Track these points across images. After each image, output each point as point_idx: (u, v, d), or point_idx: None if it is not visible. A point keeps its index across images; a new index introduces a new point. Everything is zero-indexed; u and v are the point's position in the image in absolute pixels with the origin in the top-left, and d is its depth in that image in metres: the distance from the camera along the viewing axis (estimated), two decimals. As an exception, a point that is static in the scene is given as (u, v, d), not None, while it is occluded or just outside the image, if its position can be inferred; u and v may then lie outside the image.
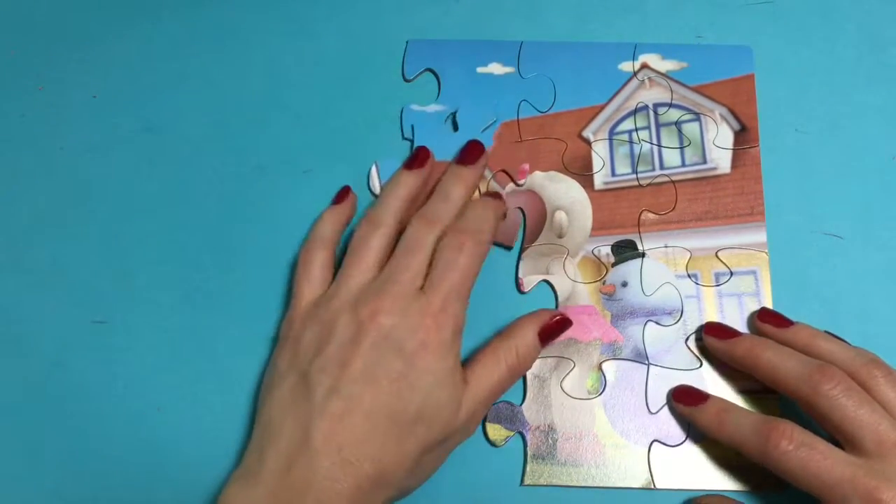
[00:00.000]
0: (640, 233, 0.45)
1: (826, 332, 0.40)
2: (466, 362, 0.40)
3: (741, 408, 0.40)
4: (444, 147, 0.46)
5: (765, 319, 0.41)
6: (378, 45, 0.50)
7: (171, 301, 0.46)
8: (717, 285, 0.44)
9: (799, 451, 0.35)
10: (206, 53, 0.51)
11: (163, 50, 0.51)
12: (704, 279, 0.44)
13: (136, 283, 0.46)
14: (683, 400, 0.41)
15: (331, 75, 0.50)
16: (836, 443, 0.36)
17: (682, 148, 0.47)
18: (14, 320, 0.46)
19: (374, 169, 0.47)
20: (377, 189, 0.47)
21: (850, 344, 0.39)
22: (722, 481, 0.40)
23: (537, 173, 0.47)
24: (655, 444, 0.41)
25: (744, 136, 0.47)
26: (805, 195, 0.46)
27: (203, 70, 0.51)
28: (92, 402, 0.44)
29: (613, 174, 0.46)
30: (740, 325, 0.43)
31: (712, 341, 0.42)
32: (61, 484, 0.43)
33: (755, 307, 0.43)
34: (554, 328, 0.41)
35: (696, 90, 0.48)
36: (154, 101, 0.50)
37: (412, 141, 0.48)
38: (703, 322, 0.43)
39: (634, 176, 0.46)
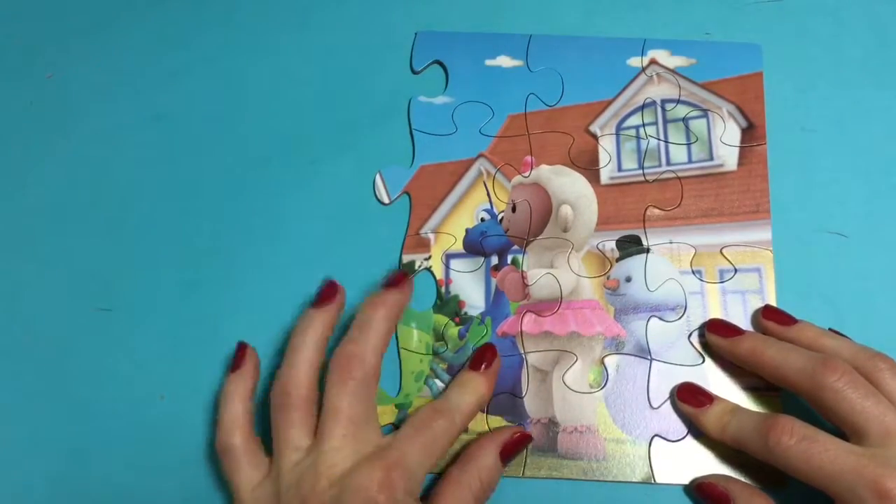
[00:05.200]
0: (645, 228, 0.45)
1: (830, 329, 0.40)
2: (430, 496, 0.38)
3: (743, 408, 0.40)
4: (448, 141, 0.47)
5: (768, 317, 0.41)
6: (387, 36, 0.50)
7: (175, 289, 0.46)
8: (721, 282, 0.44)
9: (801, 444, 0.35)
10: (215, 43, 0.51)
11: (171, 39, 0.52)
12: (708, 276, 0.44)
13: (141, 271, 0.47)
14: (688, 400, 0.41)
15: (339, 66, 0.50)
16: (842, 437, 0.36)
17: (688, 144, 0.47)
18: (19, 307, 0.46)
19: (378, 178, 0.47)
20: (384, 198, 0.47)
21: (854, 341, 0.39)
22: (722, 477, 0.41)
23: (543, 167, 0.47)
24: (656, 438, 0.41)
25: (751, 134, 0.47)
26: (810, 193, 0.46)
27: (211, 59, 0.51)
28: (95, 390, 0.45)
29: (620, 169, 0.46)
30: (744, 323, 0.43)
31: (715, 339, 0.41)
32: (64, 470, 0.43)
33: (759, 305, 0.43)
34: (515, 446, 0.40)
35: (705, 87, 0.48)
36: (162, 90, 0.50)
37: (421, 132, 0.48)
38: (707, 318, 0.43)
39: (641, 171, 0.46)
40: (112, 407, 0.44)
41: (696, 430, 0.41)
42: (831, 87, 0.48)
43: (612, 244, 0.45)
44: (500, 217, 0.46)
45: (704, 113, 0.47)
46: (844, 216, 0.45)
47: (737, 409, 0.39)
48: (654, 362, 0.43)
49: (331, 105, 0.49)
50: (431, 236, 0.46)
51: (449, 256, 0.45)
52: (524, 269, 0.45)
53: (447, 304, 0.44)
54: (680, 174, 0.46)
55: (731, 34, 0.49)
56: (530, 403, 0.42)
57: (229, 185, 0.48)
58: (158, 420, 0.44)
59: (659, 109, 0.47)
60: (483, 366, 0.41)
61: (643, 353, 0.43)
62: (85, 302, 0.46)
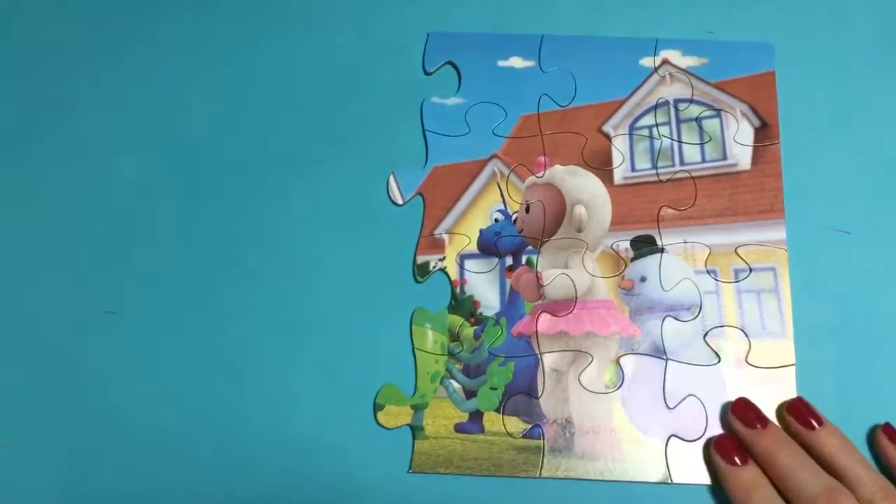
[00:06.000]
0: (659, 228, 0.45)
1: (849, 444, 0.39)
2: None
3: (774, 492, 0.38)
4: (461, 142, 0.47)
5: (793, 413, 0.40)
6: (393, 37, 0.50)
7: (182, 291, 0.46)
8: (736, 281, 0.44)
9: None
10: (218, 46, 0.51)
11: (174, 42, 0.52)
12: (723, 275, 0.44)
13: (147, 273, 0.47)
14: (724, 454, 0.39)
15: (347, 67, 0.50)
16: None
17: (702, 144, 0.47)
18: (26, 310, 0.46)
19: (392, 179, 0.47)
20: (398, 199, 0.47)
21: (870, 465, 0.38)
22: (740, 477, 0.40)
23: (557, 167, 0.47)
24: (673, 438, 0.41)
25: (764, 133, 0.47)
26: (816, 191, 0.46)
27: (215, 62, 0.51)
28: (102, 392, 0.44)
29: (633, 169, 0.46)
30: (758, 322, 0.43)
31: (737, 424, 0.40)
32: (72, 473, 0.43)
33: (774, 304, 0.43)
34: None
35: (717, 86, 0.48)
36: (165, 93, 0.50)
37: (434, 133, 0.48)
38: (723, 319, 0.43)
39: (654, 171, 0.46)
40: (119, 409, 0.44)
41: (713, 430, 0.41)
42: (835, 84, 0.48)
43: (627, 244, 0.45)
44: (514, 217, 0.46)
45: (717, 112, 0.47)
46: (850, 213, 0.45)
47: (766, 487, 0.38)
48: (669, 362, 0.43)
49: (335, 107, 0.49)
50: (445, 237, 0.46)
51: (463, 257, 0.45)
52: (539, 269, 0.45)
53: (462, 304, 0.44)
54: (693, 174, 0.46)
55: (735, 33, 0.49)
56: (546, 404, 0.42)
57: (235, 187, 0.48)
58: (166, 422, 0.44)
59: (672, 109, 0.47)
60: None
61: (659, 352, 0.43)
62: (91, 305, 0.46)
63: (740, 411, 0.40)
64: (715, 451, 0.40)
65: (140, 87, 0.51)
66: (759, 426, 0.39)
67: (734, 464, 0.39)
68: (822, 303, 0.44)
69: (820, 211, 0.45)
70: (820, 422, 0.39)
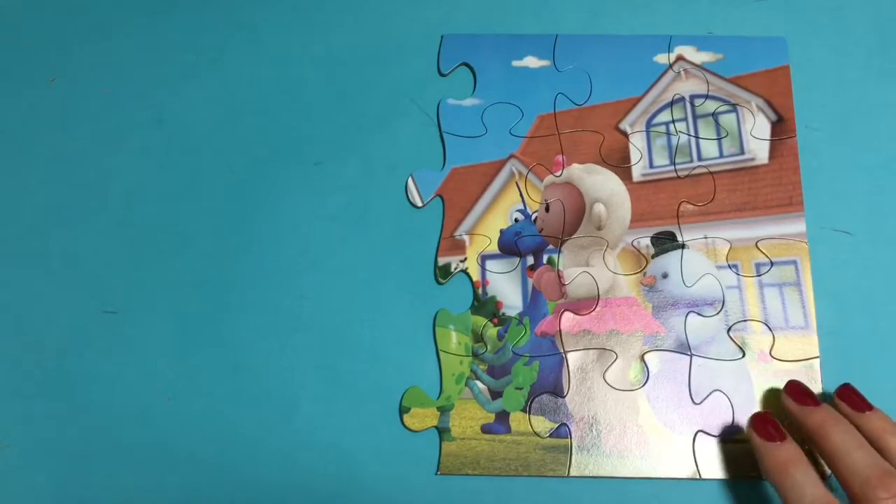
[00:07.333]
0: (679, 224, 0.45)
1: None
2: None
3: (812, 471, 0.37)
4: (478, 143, 0.47)
5: (842, 397, 0.40)
6: (393, 37, 0.50)
7: (181, 291, 0.46)
8: (758, 275, 0.44)
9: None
10: (218, 46, 0.51)
11: (174, 41, 0.51)
12: (745, 269, 0.44)
13: (147, 273, 0.46)
14: (761, 431, 0.39)
15: (344, 69, 0.50)
16: None
17: (719, 139, 0.47)
18: (25, 310, 0.46)
19: (410, 181, 0.47)
20: (417, 201, 0.47)
21: None
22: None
23: (575, 166, 0.47)
24: (700, 434, 0.41)
25: (781, 127, 0.47)
26: (816, 192, 0.46)
27: (215, 62, 0.51)
28: (102, 392, 0.44)
29: (651, 166, 0.46)
30: (781, 316, 0.43)
31: (789, 402, 0.40)
32: (70, 472, 0.43)
33: (796, 297, 0.43)
34: None
35: (732, 81, 0.48)
36: (165, 93, 0.50)
37: (452, 135, 0.48)
38: (746, 313, 0.43)
39: (672, 167, 0.46)
40: (119, 409, 0.44)
41: (740, 425, 0.41)
42: (834, 84, 0.48)
43: (647, 241, 0.45)
44: (533, 217, 0.46)
45: (733, 107, 0.47)
46: (849, 214, 0.45)
47: (805, 464, 0.37)
48: (694, 358, 0.43)
49: (335, 107, 0.49)
50: (466, 238, 0.46)
51: (484, 258, 0.45)
52: (560, 268, 0.45)
53: (485, 305, 0.44)
54: (712, 169, 0.46)
55: (732, 32, 0.49)
56: (572, 403, 0.42)
57: (233, 187, 0.48)
58: (165, 422, 0.43)
59: (688, 105, 0.48)
60: None
61: (683, 348, 0.43)
62: (91, 305, 0.46)
63: (793, 391, 0.40)
64: (752, 427, 0.39)
65: (141, 86, 0.50)
66: (811, 404, 0.39)
67: (772, 440, 0.38)
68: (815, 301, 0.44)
69: (815, 210, 0.45)
70: (870, 406, 0.39)
